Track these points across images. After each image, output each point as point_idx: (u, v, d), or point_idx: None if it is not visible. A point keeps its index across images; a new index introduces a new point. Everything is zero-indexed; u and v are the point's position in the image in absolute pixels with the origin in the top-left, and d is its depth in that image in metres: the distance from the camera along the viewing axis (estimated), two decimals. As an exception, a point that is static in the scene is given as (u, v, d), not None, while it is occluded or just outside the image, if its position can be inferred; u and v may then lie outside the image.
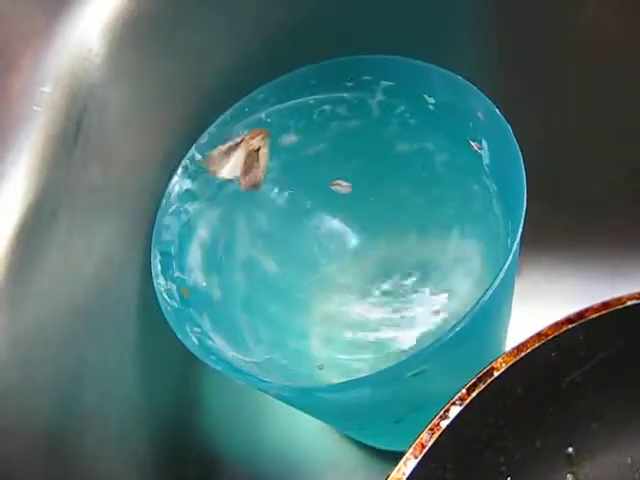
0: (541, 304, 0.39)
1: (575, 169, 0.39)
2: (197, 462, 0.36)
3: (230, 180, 0.32)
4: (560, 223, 0.40)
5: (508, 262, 0.24)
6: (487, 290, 0.24)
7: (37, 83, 0.26)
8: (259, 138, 0.31)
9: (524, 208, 0.26)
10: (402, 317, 0.35)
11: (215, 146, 0.31)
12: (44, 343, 0.26)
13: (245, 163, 0.31)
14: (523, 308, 0.37)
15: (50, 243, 0.26)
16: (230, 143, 0.31)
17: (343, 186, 0.34)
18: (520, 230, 0.25)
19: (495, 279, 0.24)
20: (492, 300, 0.25)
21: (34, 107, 0.25)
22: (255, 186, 0.32)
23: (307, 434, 0.37)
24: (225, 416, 0.37)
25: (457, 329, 0.24)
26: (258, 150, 0.31)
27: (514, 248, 0.25)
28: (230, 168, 0.31)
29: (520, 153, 0.26)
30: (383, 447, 0.35)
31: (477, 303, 0.24)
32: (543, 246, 0.40)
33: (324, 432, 0.37)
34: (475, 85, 0.29)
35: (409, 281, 0.35)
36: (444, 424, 0.25)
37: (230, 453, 0.36)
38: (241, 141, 0.31)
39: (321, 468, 0.37)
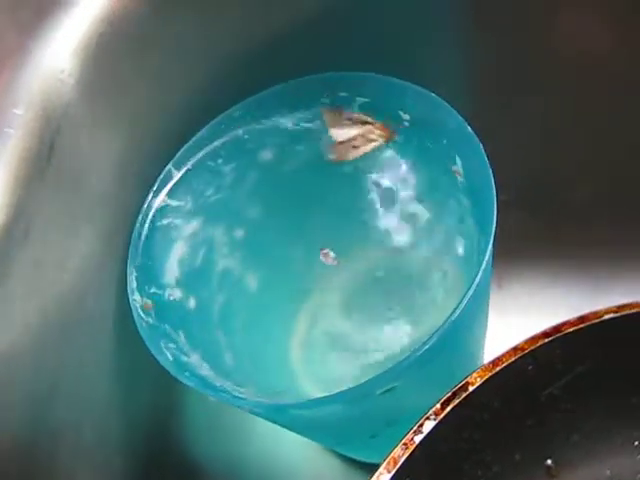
0: (522, 317, 0.39)
1: (556, 181, 0.39)
2: (176, 474, 0.36)
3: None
4: (541, 235, 0.40)
5: (477, 279, 0.24)
6: (455, 309, 0.24)
7: (9, 105, 0.26)
8: (381, 133, 0.31)
9: (494, 225, 0.26)
10: (382, 331, 0.35)
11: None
12: (17, 359, 0.26)
13: (353, 139, 0.32)
14: (503, 321, 0.37)
15: (23, 262, 0.26)
16: (362, 116, 0.31)
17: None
18: (490, 248, 0.26)
19: (464, 297, 0.24)
20: (463, 317, 0.25)
21: (6, 129, 0.25)
22: (340, 160, 0.32)
23: (288, 445, 0.37)
24: (205, 427, 0.37)
25: (426, 347, 0.24)
26: (372, 141, 0.32)
27: (483, 266, 0.25)
28: (340, 133, 0.32)
29: (490, 170, 0.26)
30: (363, 459, 0.36)
31: (446, 321, 0.24)
32: (524, 258, 0.40)
33: (305, 443, 0.37)
34: (458, 98, 0.29)
35: (388, 295, 0.36)
36: (418, 439, 0.25)
37: (210, 465, 0.37)
38: (370, 123, 0.31)
39: (301, 478, 0.37)
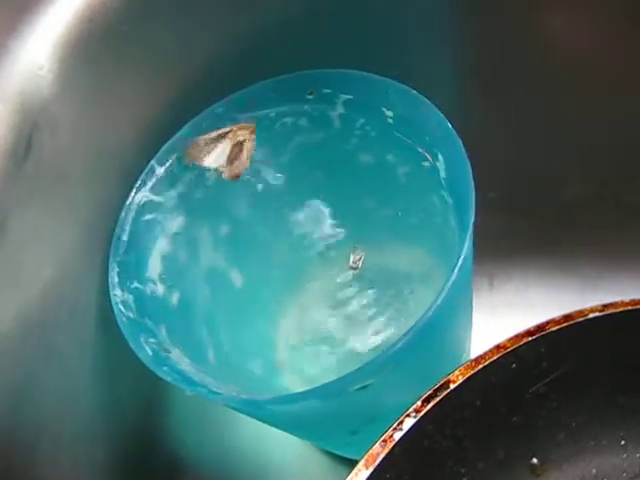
0: (513, 316, 0.39)
1: (544, 180, 0.39)
2: (160, 468, 0.36)
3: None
4: (531, 234, 0.40)
5: (453, 277, 0.24)
6: (430, 307, 0.24)
7: (-13, 101, 0.26)
8: (246, 132, 0.32)
9: (472, 222, 0.26)
10: (367, 328, 0.35)
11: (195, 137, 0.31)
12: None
13: (231, 153, 0.32)
14: (494, 320, 0.37)
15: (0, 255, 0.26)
16: (216, 133, 0.31)
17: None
18: (467, 243, 0.25)
19: (439, 294, 0.24)
20: (439, 314, 0.24)
21: (-16, 124, 0.26)
22: (237, 176, 0.33)
23: (274, 439, 0.37)
24: (189, 420, 0.38)
25: (399, 345, 0.24)
26: (243, 142, 0.32)
27: (460, 262, 0.25)
28: (215, 157, 0.32)
29: (470, 167, 0.26)
30: (347, 456, 0.36)
31: (420, 319, 0.24)
32: (516, 257, 0.40)
33: (292, 438, 0.37)
34: (444, 97, 0.29)
35: (372, 293, 0.36)
36: (397, 436, 0.25)
37: (195, 458, 0.37)
38: (228, 132, 0.32)
39: (288, 473, 0.37)
